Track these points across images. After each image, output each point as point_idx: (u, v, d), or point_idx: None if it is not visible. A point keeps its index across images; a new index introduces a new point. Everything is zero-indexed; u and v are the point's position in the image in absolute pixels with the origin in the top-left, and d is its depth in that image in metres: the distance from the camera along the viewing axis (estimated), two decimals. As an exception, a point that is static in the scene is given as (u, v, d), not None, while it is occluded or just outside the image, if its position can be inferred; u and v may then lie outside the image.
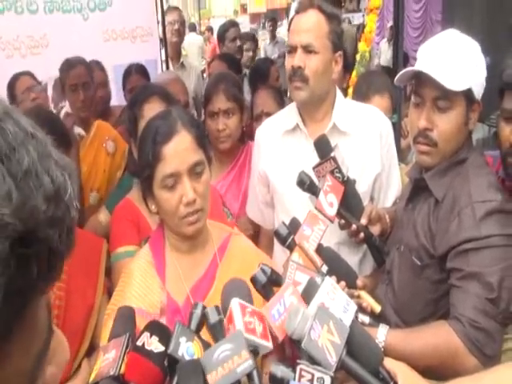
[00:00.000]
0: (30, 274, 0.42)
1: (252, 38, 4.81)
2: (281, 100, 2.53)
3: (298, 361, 0.93)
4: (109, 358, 1.01)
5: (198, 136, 1.31)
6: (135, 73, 3.09)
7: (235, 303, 1.02)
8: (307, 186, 1.56)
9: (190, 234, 1.33)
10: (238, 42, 4.17)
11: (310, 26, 1.75)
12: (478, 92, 1.39)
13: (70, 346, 1.57)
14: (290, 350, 1.29)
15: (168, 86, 2.35)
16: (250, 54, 4.46)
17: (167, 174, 1.27)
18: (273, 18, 10.59)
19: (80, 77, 2.65)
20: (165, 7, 4.41)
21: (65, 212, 0.45)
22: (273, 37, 8.46)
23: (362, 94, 2.25)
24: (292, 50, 1.78)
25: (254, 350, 0.96)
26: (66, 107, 2.45)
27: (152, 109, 1.79)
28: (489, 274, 1.24)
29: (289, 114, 1.90)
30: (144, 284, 1.33)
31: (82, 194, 2.43)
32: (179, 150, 1.27)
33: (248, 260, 1.38)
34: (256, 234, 2.09)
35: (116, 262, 1.74)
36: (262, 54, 8.50)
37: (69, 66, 2.67)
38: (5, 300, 0.40)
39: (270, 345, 1.00)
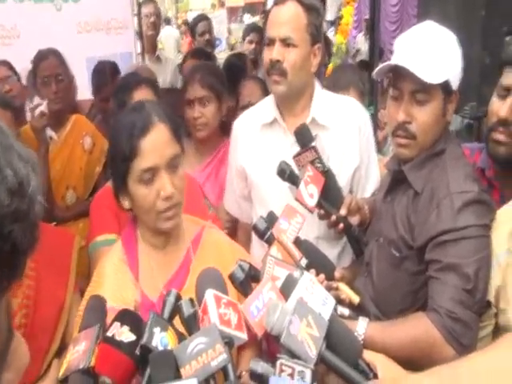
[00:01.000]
0: None
1: (257, 29, 4.71)
2: (266, 91, 2.51)
3: (278, 355, 0.93)
4: (79, 351, 0.99)
5: (174, 128, 1.29)
6: (111, 81, 2.88)
7: (210, 295, 1.01)
8: (287, 175, 1.55)
9: (166, 229, 1.31)
10: (207, 36, 4.11)
11: (289, 18, 1.73)
12: (455, 83, 1.40)
13: (40, 345, 1.52)
14: (266, 344, 1.28)
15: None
16: (253, 45, 4.35)
17: (145, 168, 1.24)
18: (265, 10, 10.58)
19: (52, 68, 2.53)
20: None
21: (29, 206, 0.43)
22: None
23: (337, 89, 2.25)
24: (270, 42, 1.75)
25: (229, 342, 0.95)
26: (43, 107, 2.30)
27: (141, 95, 1.82)
28: (466, 265, 1.25)
29: (267, 108, 1.88)
30: (117, 282, 1.30)
31: (51, 192, 2.38)
32: (157, 143, 1.25)
33: (222, 253, 1.38)
34: (233, 226, 2.08)
35: (94, 252, 1.71)
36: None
37: (40, 57, 2.55)
38: None
39: (244, 336, 1.00)
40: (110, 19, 3.73)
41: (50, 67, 2.53)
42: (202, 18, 4.39)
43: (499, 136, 1.41)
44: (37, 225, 0.44)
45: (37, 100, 2.35)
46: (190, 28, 4.42)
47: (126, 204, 1.32)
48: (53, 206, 2.39)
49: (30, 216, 0.43)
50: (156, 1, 4.45)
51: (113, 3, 3.75)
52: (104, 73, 2.97)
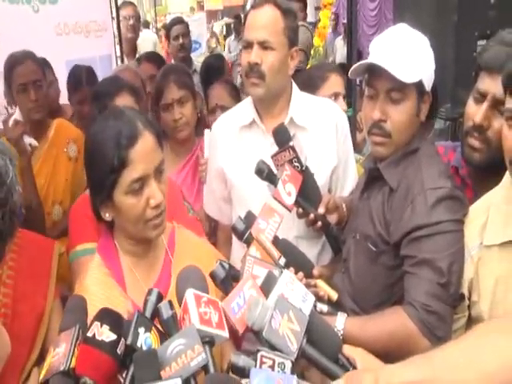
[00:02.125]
0: None
1: None
2: (236, 94, 2.54)
3: (259, 347, 0.94)
4: (59, 353, 0.98)
5: (157, 135, 1.30)
6: (86, 84, 2.78)
7: (190, 294, 1.01)
8: (265, 174, 1.58)
9: (153, 238, 1.31)
10: (181, 40, 4.05)
11: (266, 21, 1.75)
12: (428, 84, 1.44)
13: (19, 355, 1.48)
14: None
15: (120, 73, 2.34)
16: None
17: (135, 178, 1.22)
18: (238, 14, 10.69)
19: (29, 74, 2.27)
20: (119, 2, 4.32)
21: (7, 194, 0.44)
22: (237, 33, 8.54)
23: (316, 80, 2.26)
24: (248, 45, 1.78)
25: (210, 341, 0.97)
26: (16, 115, 2.13)
27: (123, 101, 1.80)
28: (439, 260, 1.29)
29: (245, 110, 1.89)
30: (105, 297, 1.28)
31: (42, 206, 2.23)
32: (145, 152, 1.23)
33: (197, 250, 1.40)
34: (212, 228, 2.09)
35: (74, 261, 1.70)
36: (226, 50, 8.59)
37: (15, 62, 2.28)
38: None
39: (226, 334, 1.00)
40: (88, 22, 3.71)
41: (26, 73, 2.26)
42: (177, 21, 4.30)
43: (474, 142, 1.44)
44: (15, 214, 0.46)
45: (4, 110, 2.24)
46: (166, 32, 4.38)
47: (107, 216, 1.29)
48: (44, 222, 2.23)
49: (8, 204, 0.44)
50: (135, 3, 4.41)
51: (91, 5, 3.73)
52: (79, 75, 2.86)
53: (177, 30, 4.08)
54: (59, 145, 2.41)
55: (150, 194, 1.24)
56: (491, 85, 1.38)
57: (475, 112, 1.43)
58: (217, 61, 3.80)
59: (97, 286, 1.30)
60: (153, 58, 3.54)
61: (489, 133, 1.42)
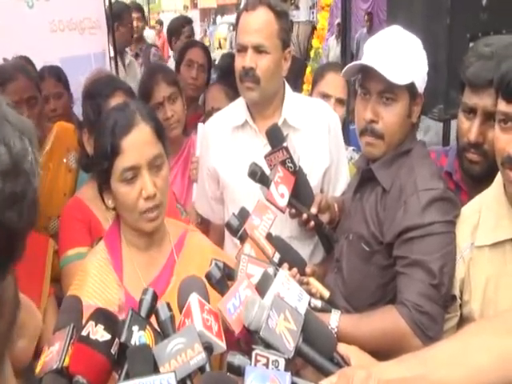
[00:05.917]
0: None
1: None
2: (234, 95, 2.53)
3: (254, 346, 0.95)
4: (53, 352, 0.98)
5: (156, 129, 1.31)
6: (48, 76, 2.65)
7: (194, 299, 1.02)
8: (258, 176, 1.57)
9: (148, 231, 1.32)
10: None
11: (261, 25, 1.74)
12: (420, 86, 1.46)
13: (14, 351, 1.47)
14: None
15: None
16: None
17: (126, 167, 1.26)
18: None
19: (22, 91, 2.06)
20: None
21: (25, 185, 0.39)
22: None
23: (316, 77, 2.27)
24: (242, 49, 1.76)
25: (209, 347, 0.97)
26: None
27: (118, 102, 1.78)
28: (431, 261, 1.31)
29: (237, 110, 1.89)
30: (100, 281, 1.30)
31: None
32: (138, 142, 1.27)
33: (206, 257, 1.37)
34: (203, 228, 2.09)
35: (66, 266, 1.64)
36: (227, 47, 8.62)
37: (7, 77, 2.07)
38: None
39: (223, 345, 1.01)
40: (82, 19, 3.69)
41: (19, 90, 2.05)
42: (188, 21, 4.19)
43: (472, 156, 1.46)
44: (35, 202, 0.40)
45: None
46: (174, 28, 4.29)
47: (110, 203, 1.33)
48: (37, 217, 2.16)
49: (26, 196, 0.39)
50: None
51: (85, 2, 3.71)
52: (43, 76, 2.64)
53: (189, 31, 4.07)
54: (58, 156, 2.22)
55: (142, 185, 1.27)
56: (478, 100, 1.40)
57: (468, 128, 1.45)
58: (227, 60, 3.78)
59: (95, 270, 1.33)
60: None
61: (485, 146, 1.43)
